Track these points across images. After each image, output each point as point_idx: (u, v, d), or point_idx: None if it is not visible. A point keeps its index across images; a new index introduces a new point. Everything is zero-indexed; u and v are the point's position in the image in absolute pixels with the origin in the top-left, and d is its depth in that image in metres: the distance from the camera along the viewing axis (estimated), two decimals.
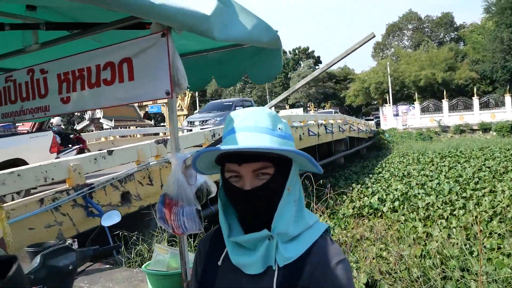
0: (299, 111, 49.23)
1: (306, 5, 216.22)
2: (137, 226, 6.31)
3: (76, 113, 49.61)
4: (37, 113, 2.12)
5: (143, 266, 2.65)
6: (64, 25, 1.99)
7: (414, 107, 42.18)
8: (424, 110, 41.95)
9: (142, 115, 52.99)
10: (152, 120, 53.95)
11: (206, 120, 14.80)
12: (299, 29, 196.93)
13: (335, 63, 2.18)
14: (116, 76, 1.78)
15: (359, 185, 14.00)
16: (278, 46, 2.01)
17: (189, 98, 57.44)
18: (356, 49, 1.94)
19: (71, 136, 13.67)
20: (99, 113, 45.55)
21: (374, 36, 1.84)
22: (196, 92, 56.71)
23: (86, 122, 47.29)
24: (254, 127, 1.01)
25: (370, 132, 31.23)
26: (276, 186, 1.03)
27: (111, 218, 2.21)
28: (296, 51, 63.76)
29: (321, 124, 18.02)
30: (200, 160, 1.09)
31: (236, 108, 14.51)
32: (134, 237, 5.59)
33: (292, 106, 56.68)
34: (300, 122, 16.30)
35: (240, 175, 1.02)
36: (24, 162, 7.29)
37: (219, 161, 1.07)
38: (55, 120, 12.63)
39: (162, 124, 59.47)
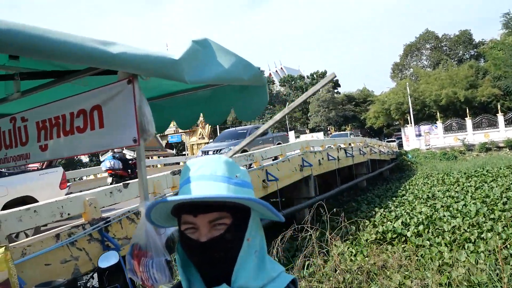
0: (320, 135, 49.08)
1: (323, 29, 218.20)
2: None
3: None
4: (19, 160, 2.14)
5: None
6: (39, 74, 2.00)
7: (436, 126, 41.49)
8: (447, 129, 41.20)
9: (164, 145, 53.82)
10: (174, 149, 54.60)
11: (220, 149, 14.35)
12: (317, 53, 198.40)
13: (297, 105, 2.12)
14: (88, 123, 1.78)
15: (382, 209, 13.67)
16: (261, 83, 1.99)
17: (210, 126, 58.20)
18: (318, 90, 1.87)
19: (129, 161, 13.91)
20: None
21: (335, 76, 1.78)
22: None
23: (109, 153, 48.20)
24: (210, 175, 0.97)
25: (393, 154, 30.75)
26: (234, 236, 0.97)
27: (108, 260, 2.17)
28: (314, 75, 64.01)
29: (340, 148, 17.84)
30: (155, 212, 1.04)
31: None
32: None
33: (312, 130, 56.56)
34: (320, 146, 16.17)
35: (196, 227, 0.97)
36: (33, 200, 7.31)
37: (175, 213, 1.02)
38: None
39: (183, 153, 60.13)
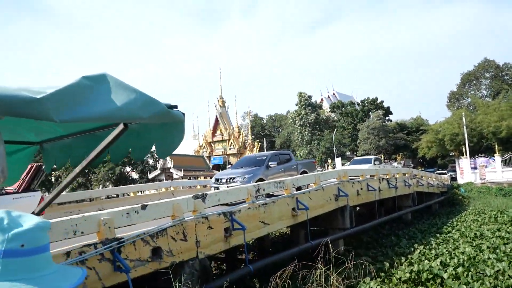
0: None
1: (379, 55, 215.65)
2: (168, 282, 6.22)
3: (150, 162, 52.29)
4: None
5: None
6: None
7: (494, 159, 39.18)
8: (506, 163, 38.77)
9: (211, 166, 54.65)
10: (220, 170, 55.35)
11: (233, 178, 13.08)
12: (371, 79, 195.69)
13: (96, 157, 1.93)
14: None
15: (422, 246, 12.91)
16: (173, 119, 1.90)
17: (258, 149, 58.52)
18: (111, 142, 1.72)
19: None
20: (170, 163, 47.71)
21: (124, 127, 1.64)
22: (264, 143, 57.59)
23: (157, 172, 49.61)
24: None
25: (443, 187, 29.27)
26: None
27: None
28: (365, 102, 62.91)
29: (382, 179, 17.19)
30: None
31: (270, 163, 14.03)
32: None
33: None
34: (359, 176, 15.66)
35: None
36: None
37: None
38: None
39: None
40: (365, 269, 10.88)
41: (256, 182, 11.74)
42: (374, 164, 23.46)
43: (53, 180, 55.74)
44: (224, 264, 15.05)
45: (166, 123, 2.19)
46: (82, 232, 5.62)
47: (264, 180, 11.99)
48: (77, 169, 1.96)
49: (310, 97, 62.79)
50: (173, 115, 1.91)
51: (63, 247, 5.59)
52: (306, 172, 15.12)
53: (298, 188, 11.85)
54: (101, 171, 41.52)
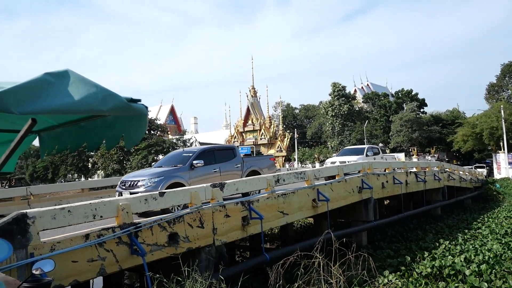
0: (401, 156, 46.83)
1: (416, 46, 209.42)
2: (186, 267, 6.40)
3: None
4: None
5: None
6: None
7: None
8: None
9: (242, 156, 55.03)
10: None
11: (137, 182, 9.97)
12: (404, 71, 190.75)
13: (13, 150, 1.95)
14: None
15: (448, 241, 12.65)
16: (132, 112, 2.00)
17: (288, 139, 58.40)
18: (23, 136, 1.75)
19: None
20: None
21: (32, 122, 1.68)
22: (295, 134, 57.37)
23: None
24: None
25: (477, 182, 28.38)
26: None
27: (44, 266, 2.26)
28: (399, 94, 61.45)
29: (410, 172, 16.87)
30: None
31: (195, 163, 10.36)
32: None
33: (393, 150, 54.18)
34: (385, 169, 15.43)
35: None
36: None
37: None
38: None
39: None
40: (386, 262, 10.83)
41: (168, 187, 9.10)
42: (367, 155, 18.84)
43: (89, 166, 57.78)
44: (248, 252, 15.29)
45: (133, 116, 2.31)
46: (101, 216, 5.87)
47: (184, 185, 9.30)
48: (3, 157, 2.10)
49: (344, 87, 61.93)
50: (134, 108, 2.02)
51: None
52: (258, 173, 11.68)
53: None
54: (135, 159, 42.57)
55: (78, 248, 5.38)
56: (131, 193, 8.91)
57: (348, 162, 16.79)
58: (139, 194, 6.53)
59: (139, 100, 2.09)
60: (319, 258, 5.49)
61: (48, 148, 2.79)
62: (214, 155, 11.26)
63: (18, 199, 13.61)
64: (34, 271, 2.32)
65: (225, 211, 7.72)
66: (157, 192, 6.77)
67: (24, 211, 5.04)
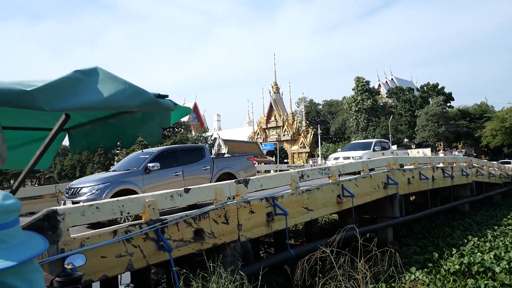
0: (427, 151, 45.94)
1: (439, 41, 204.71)
2: (211, 262, 6.46)
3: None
4: None
5: None
6: None
7: None
8: None
9: (265, 152, 55.10)
10: (274, 157, 55.56)
11: (79, 189, 8.77)
12: (429, 65, 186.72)
13: (48, 145, 2.01)
14: None
15: (477, 238, 12.36)
16: (158, 108, 2.02)
17: (311, 135, 58.11)
18: (57, 131, 1.80)
19: None
20: (224, 149, 48.73)
21: (66, 117, 1.72)
22: (319, 129, 57.03)
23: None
24: None
25: (507, 177, 27.59)
26: None
27: (75, 260, 2.32)
28: (424, 88, 60.22)
29: (437, 168, 16.54)
30: None
31: (151, 166, 9.06)
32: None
33: (419, 145, 53.22)
34: (411, 164, 15.18)
35: None
36: None
37: None
38: None
39: (285, 160, 60.89)
40: (412, 259, 10.67)
41: (115, 195, 8.04)
42: (374, 150, 17.36)
43: (115, 164, 58.97)
44: (272, 248, 15.31)
45: (153, 114, 2.37)
46: (128, 213, 5.98)
47: (136, 192, 8.32)
48: (36, 154, 2.15)
49: (367, 82, 61.10)
50: (161, 104, 2.06)
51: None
52: (232, 175, 10.42)
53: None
54: None
55: (107, 244, 5.50)
56: (73, 202, 7.94)
57: (353, 157, 16.15)
58: (173, 190, 6.56)
59: (167, 96, 2.13)
60: (345, 254, 5.45)
61: (78, 146, 2.85)
62: (177, 157, 10.01)
63: (47, 196, 14.00)
64: (66, 266, 2.38)
65: (249, 207, 7.75)
66: (182, 188, 6.84)
67: (54, 208, 5.19)
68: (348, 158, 15.96)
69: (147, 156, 9.58)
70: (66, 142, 3.05)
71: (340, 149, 23.05)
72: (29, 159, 2.03)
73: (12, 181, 56.69)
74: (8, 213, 1.02)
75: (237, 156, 13.20)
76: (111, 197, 7.52)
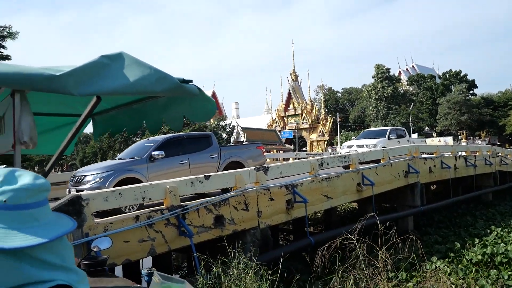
0: (449, 139, 45.09)
1: (463, 27, 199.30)
2: (232, 248, 6.52)
3: (224, 136, 53.75)
4: None
5: None
6: None
7: None
8: None
9: (284, 140, 55.02)
10: (292, 145, 55.45)
11: (83, 177, 8.70)
12: (452, 52, 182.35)
13: (80, 126, 2.06)
14: None
15: (500, 228, 12.15)
16: (183, 93, 2.02)
17: (330, 123, 57.66)
18: (88, 114, 1.81)
19: None
20: (243, 137, 48.82)
21: (97, 99, 1.71)
22: (337, 118, 56.56)
23: (231, 144, 51.00)
24: None
25: None
26: None
27: (101, 243, 2.36)
28: (447, 75, 58.91)
29: (459, 156, 16.24)
30: None
31: (155, 154, 8.87)
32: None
33: (440, 134, 52.28)
34: (432, 153, 14.94)
35: None
36: None
37: None
38: None
39: (304, 148, 60.69)
40: (433, 248, 10.56)
41: (119, 183, 7.86)
42: (389, 138, 16.72)
43: None
44: (291, 236, 15.35)
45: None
46: (150, 198, 6.07)
47: (141, 181, 8.13)
48: (67, 138, 2.17)
49: (388, 69, 60.07)
50: (186, 88, 2.06)
51: None
52: (240, 164, 10.05)
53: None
54: None
55: (130, 229, 5.60)
56: (77, 190, 7.76)
57: (366, 145, 15.74)
58: (193, 176, 6.61)
59: (191, 81, 2.13)
60: (366, 242, 5.42)
61: (102, 131, 2.89)
62: (183, 145, 9.79)
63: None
64: (92, 248, 2.43)
65: (269, 194, 7.76)
66: (203, 175, 6.89)
67: (79, 193, 5.29)
68: (362, 146, 15.66)
69: (152, 144, 9.44)
70: (87, 129, 3.11)
71: (354, 137, 22.32)
72: (56, 144, 2.07)
73: (36, 168, 58.02)
74: (40, 192, 1.05)
75: (245, 144, 13.07)
76: (115, 186, 7.44)
